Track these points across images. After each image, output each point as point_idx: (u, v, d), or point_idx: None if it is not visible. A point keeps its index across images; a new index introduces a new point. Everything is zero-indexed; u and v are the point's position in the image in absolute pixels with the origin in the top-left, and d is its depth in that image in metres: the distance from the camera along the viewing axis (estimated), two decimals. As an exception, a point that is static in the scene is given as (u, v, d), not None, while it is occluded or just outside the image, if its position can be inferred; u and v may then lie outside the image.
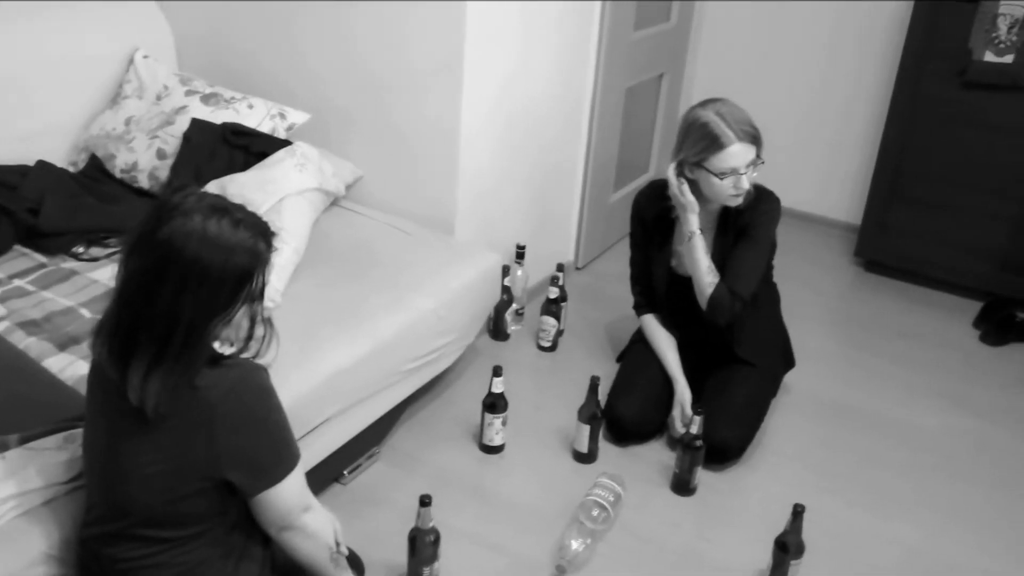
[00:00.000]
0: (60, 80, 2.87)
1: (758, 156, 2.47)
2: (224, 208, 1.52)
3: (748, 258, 2.60)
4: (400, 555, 2.15)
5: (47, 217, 2.55)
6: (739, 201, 2.50)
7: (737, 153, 2.41)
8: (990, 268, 3.60)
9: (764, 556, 2.27)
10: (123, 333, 1.49)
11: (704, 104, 2.48)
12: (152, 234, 1.47)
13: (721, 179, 2.44)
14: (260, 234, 1.53)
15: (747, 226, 2.58)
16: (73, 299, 2.33)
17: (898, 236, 3.77)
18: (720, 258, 2.61)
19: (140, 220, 1.53)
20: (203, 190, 1.59)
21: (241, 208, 1.55)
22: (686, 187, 2.52)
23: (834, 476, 2.68)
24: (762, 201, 2.60)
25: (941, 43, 3.44)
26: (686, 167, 2.51)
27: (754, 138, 2.44)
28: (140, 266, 1.48)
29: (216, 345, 1.60)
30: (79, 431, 1.79)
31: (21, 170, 2.69)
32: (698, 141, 2.45)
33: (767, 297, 2.80)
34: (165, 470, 1.53)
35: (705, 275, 2.56)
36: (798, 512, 2.16)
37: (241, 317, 1.55)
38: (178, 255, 1.45)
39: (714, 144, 2.42)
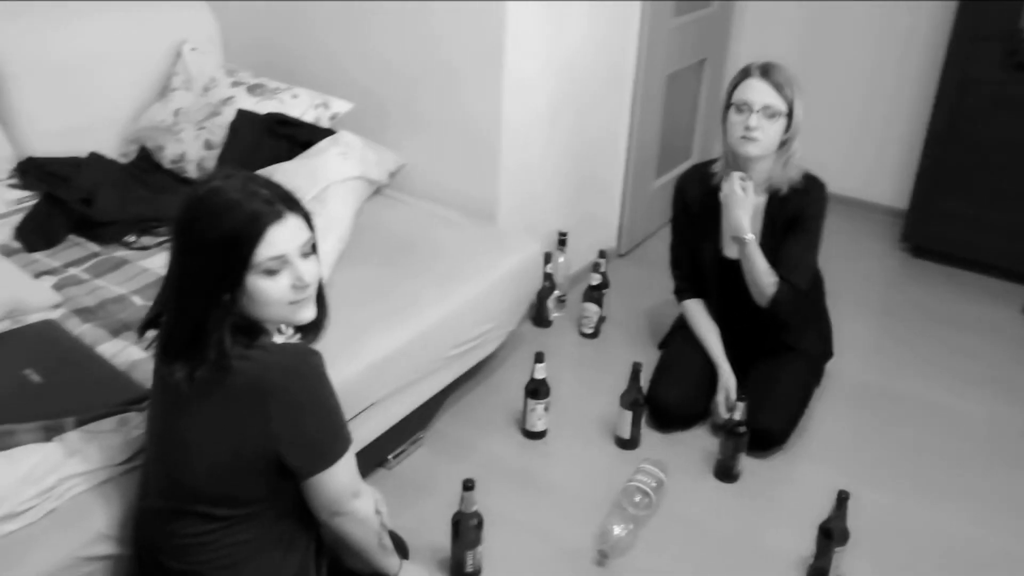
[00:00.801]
0: (111, 75, 2.94)
1: (785, 121, 2.46)
2: (243, 175, 1.56)
3: (803, 249, 2.60)
4: (444, 539, 2.17)
5: (100, 207, 2.61)
6: (748, 149, 2.48)
7: (754, 87, 2.45)
8: (1040, 253, 3.54)
9: (808, 543, 2.26)
10: (157, 308, 1.57)
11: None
12: (181, 213, 1.54)
13: (737, 113, 2.47)
14: (269, 203, 1.51)
15: (797, 216, 2.57)
16: (125, 287, 2.38)
17: (945, 221, 3.71)
18: (770, 248, 2.59)
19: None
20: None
21: (263, 178, 1.57)
22: (750, 186, 2.51)
23: (879, 464, 2.65)
24: (810, 189, 2.58)
25: (990, 25, 3.37)
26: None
27: (778, 85, 2.44)
28: (172, 248, 1.56)
29: (277, 333, 1.63)
30: (133, 415, 1.84)
31: (74, 162, 2.77)
32: (736, 75, 2.52)
33: (812, 284, 2.77)
34: (221, 449, 1.57)
35: (764, 277, 2.56)
36: (842, 499, 2.15)
37: (274, 295, 1.53)
38: (180, 217, 1.52)
39: (741, 73, 2.50)
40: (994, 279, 3.69)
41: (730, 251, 2.68)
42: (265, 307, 1.55)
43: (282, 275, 1.53)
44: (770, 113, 2.45)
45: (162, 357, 1.57)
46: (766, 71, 2.45)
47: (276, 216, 1.51)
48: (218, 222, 1.49)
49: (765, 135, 2.46)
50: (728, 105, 2.52)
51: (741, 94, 2.47)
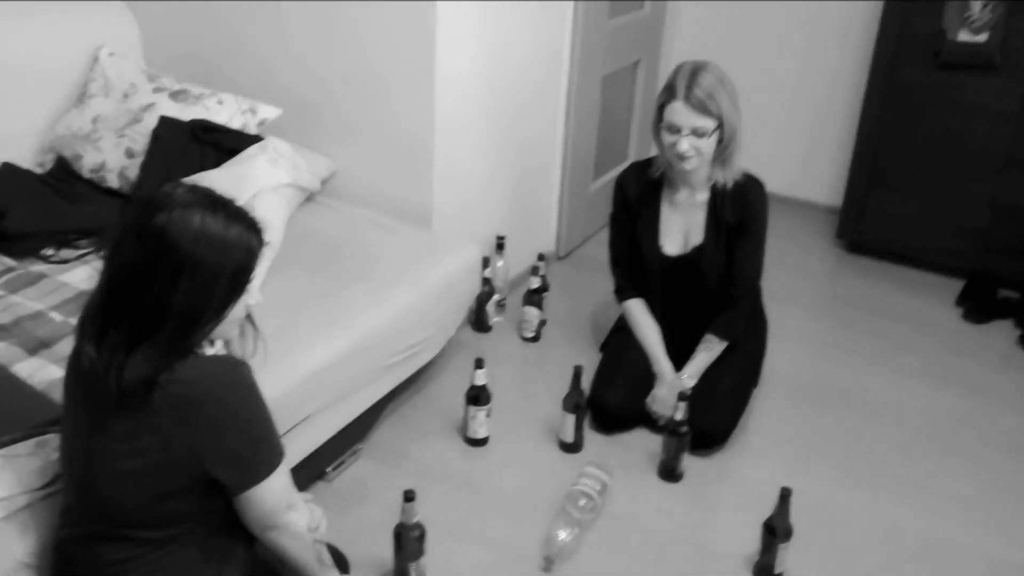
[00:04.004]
0: (23, 81, 2.82)
1: (718, 132, 2.46)
2: (219, 201, 1.51)
3: (753, 255, 2.67)
4: (386, 551, 2.12)
5: (14, 220, 2.51)
6: (684, 165, 2.51)
7: (678, 111, 2.44)
8: (971, 247, 3.61)
9: (753, 540, 2.25)
10: (106, 320, 1.47)
11: (695, 61, 2.51)
12: (144, 225, 1.45)
13: (669, 134, 2.48)
14: (253, 229, 1.53)
15: (742, 219, 2.60)
16: (43, 302, 2.29)
17: (879, 217, 3.77)
18: (714, 243, 2.62)
19: (129, 211, 1.51)
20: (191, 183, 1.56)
21: (233, 202, 1.54)
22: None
23: (820, 458, 2.67)
24: (750, 189, 2.61)
25: (916, 24, 3.43)
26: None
27: (705, 108, 2.43)
28: (130, 257, 1.47)
29: (208, 345, 1.58)
30: (51, 436, 1.76)
31: (-14, 173, 2.65)
32: (664, 85, 2.51)
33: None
34: (146, 467, 1.50)
35: (717, 349, 2.69)
36: (785, 495, 2.15)
37: (234, 315, 1.54)
38: (172, 247, 1.44)
39: (667, 92, 2.48)
40: (928, 273, 3.75)
41: (670, 247, 2.68)
42: (224, 326, 1.55)
43: (244, 295, 1.55)
44: (699, 133, 2.45)
45: (107, 369, 1.47)
46: (689, 91, 2.42)
47: (262, 244, 1.53)
48: (226, 254, 1.47)
49: (699, 152, 2.48)
50: (659, 119, 2.51)
51: (669, 117, 2.47)
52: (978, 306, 3.46)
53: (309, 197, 2.91)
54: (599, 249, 3.27)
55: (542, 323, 3.18)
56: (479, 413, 2.59)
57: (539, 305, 3.13)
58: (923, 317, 3.45)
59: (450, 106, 2.86)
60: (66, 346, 2.00)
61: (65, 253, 2.52)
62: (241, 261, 1.50)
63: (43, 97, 2.89)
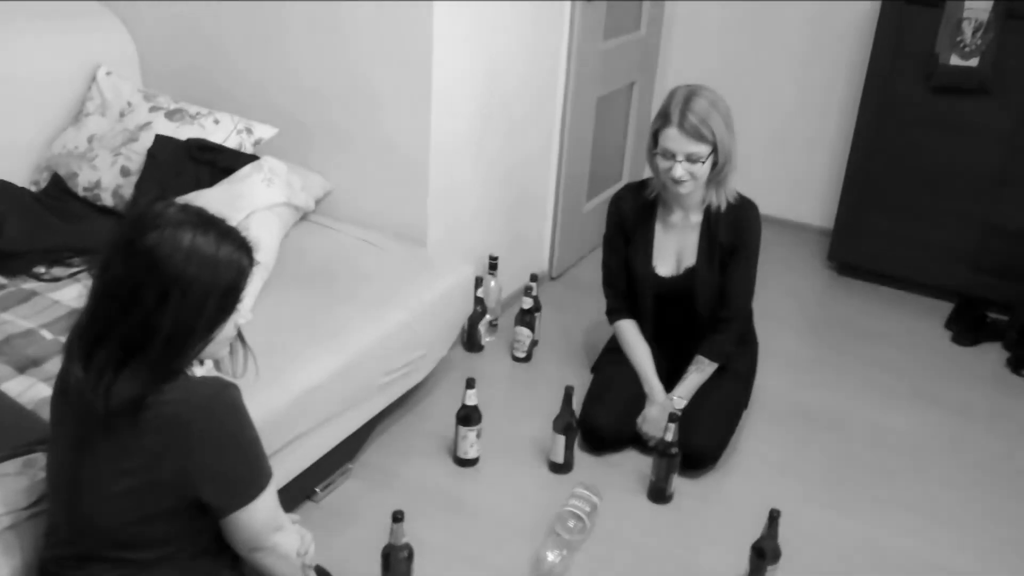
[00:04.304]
0: (20, 98, 2.82)
1: (712, 156, 2.48)
2: (210, 220, 1.50)
3: (745, 277, 2.69)
4: (375, 572, 2.12)
5: (8, 237, 2.50)
6: (679, 190, 2.53)
7: (672, 137, 2.46)
8: (961, 269, 3.62)
9: (741, 562, 2.25)
10: (94, 339, 1.47)
11: (689, 85, 2.52)
12: (133, 243, 1.45)
13: (663, 159, 2.50)
14: (244, 249, 1.52)
15: (735, 241, 2.62)
16: (33, 320, 2.28)
17: (870, 239, 3.78)
18: (707, 264, 2.64)
19: (119, 229, 1.50)
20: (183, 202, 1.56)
21: (224, 222, 1.53)
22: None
23: (809, 479, 2.67)
24: (744, 211, 2.63)
25: (908, 48, 3.46)
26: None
27: (699, 135, 2.44)
28: (119, 275, 1.46)
29: (197, 365, 1.58)
30: (39, 455, 1.75)
31: (-20, 191, 2.65)
32: (658, 111, 2.53)
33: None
34: (132, 488, 1.50)
35: (707, 370, 2.69)
36: (774, 517, 2.15)
37: (224, 334, 1.54)
38: (162, 266, 1.43)
39: (661, 118, 2.50)
40: (918, 295, 3.76)
41: (663, 269, 2.69)
42: (214, 346, 1.55)
43: (234, 314, 1.55)
44: (694, 159, 2.47)
45: (94, 389, 1.46)
46: (683, 118, 2.43)
47: (252, 264, 1.53)
48: (216, 274, 1.46)
49: (693, 177, 2.50)
50: (654, 144, 2.53)
51: (663, 143, 2.48)
52: (967, 328, 3.48)
53: (304, 216, 2.92)
54: (592, 270, 3.28)
55: (534, 343, 3.18)
56: (469, 433, 2.59)
57: (531, 325, 3.13)
58: (913, 339, 3.46)
59: (445, 126, 2.87)
60: (56, 364, 1.99)
61: (57, 271, 2.51)
62: (231, 281, 1.50)
63: (39, 115, 2.89)
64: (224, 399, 1.54)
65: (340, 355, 2.33)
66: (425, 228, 2.96)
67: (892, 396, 3.10)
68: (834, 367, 3.27)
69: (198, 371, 1.62)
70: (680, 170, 2.47)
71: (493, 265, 3.21)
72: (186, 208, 1.52)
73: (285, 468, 2.19)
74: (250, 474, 1.57)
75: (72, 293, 2.42)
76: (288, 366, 2.20)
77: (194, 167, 2.73)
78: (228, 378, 1.62)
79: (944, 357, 3.36)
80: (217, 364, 1.68)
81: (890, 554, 2.41)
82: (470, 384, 2.54)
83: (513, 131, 3.24)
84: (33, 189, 2.83)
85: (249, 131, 2.90)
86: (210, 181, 2.71)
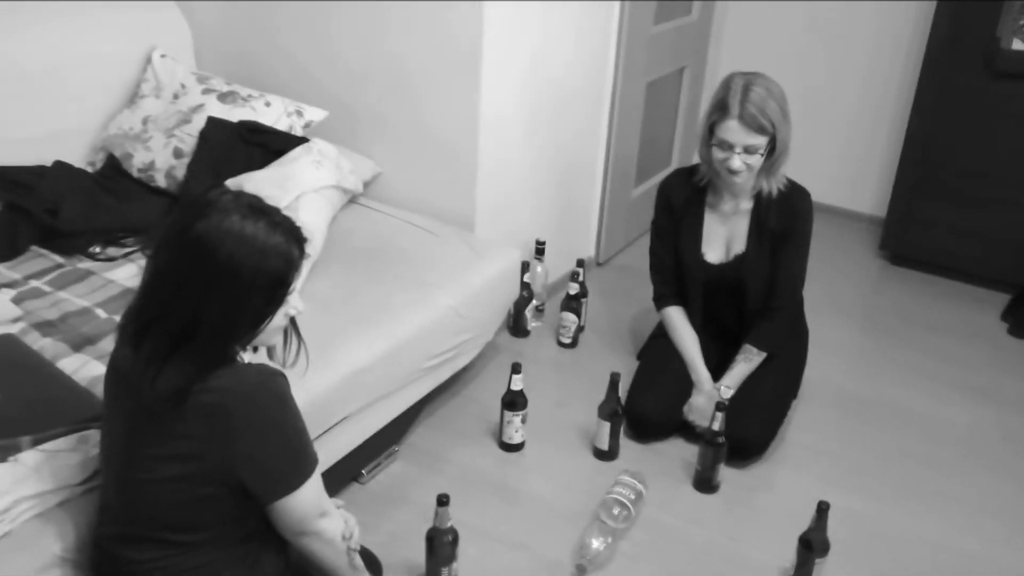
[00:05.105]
0: (78, 81, 2.87)
1: (769, 149, 2.44)
2: (262, 209, 1.49)
3: (796, 264, 2.66)
4: (419, 555, 2.13)
5: (66, 218, 2.55)
6: (734, 179, 2.50)
7: (731, 129, 2.42)
8: (1018, 260, 3.53)
9: (788, 554, 2.23)
10: (143, 325, 1.48)
11: (745, 73, 2.48)
12: (186, 229, 1.45)
13: (720, 150, 2.46)
14: (295, 240, 1.51)
15: (786, 228, 2.59)
16: (89, 299, 2.33)
17: (924, 229, 3.71)
18: (755, 253, 2.61)
19: (173, 214, 1.50)
20: (237, 189, 1.55)
21: (277, 211, 1.53)
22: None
23: (859, 471, 2.63)
24: (795, 198, 2.59)
25: (968, 32, 3.38)
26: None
27: (759, 126, 2.40)
28: (170, 260, 1.46)
29: (248, 352, 1.58)
30: (93, 432, 1.79)
31: (38, 171, 2.69)
32: (713, 102, 2.48)
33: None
34: (179, 472, 1.51)
35: (756, 360, 2.66)
36: (822, 509, 2.12)
37: (274, 324, 1.54)
38: (211, 253, 1.43)
39: (719, 108, 2.45)
40: (973, 286, 3.68)
41: (712, 256, 2.67)
42: (265, 336, 1.55)
43: (284, 305, 1.54)
44: (752, 151, 2.44)
45: (142, 377, 1.48)
46: (743, 109, 2.39)
47: (303, 255, 1.52)
48: (264, 263, 1.46)
49: (749, 168, 2.47)
50: (709, 132, 2.49)
51: (721, 134, 2.44)
52: (1024, 321, 3.40)
53: (352, 199, 2.93)
54: (639, 256, 3.26)
55: (580, 329, 3.17)
56: (515, 418, 2.59)
57: (577, 311, 3.12)
58: (967, 330, 3.39)
59: (494, 110, 2.87)
60: (110, 343, 2.03)
61: (112, 251, 2.56)
62: (279, 271, 1.48)
63: (96, 97, 2.94)
64: (269, 388, 1.53)
65: (387, 337, 2.34)
66: (473, 212, 2.96)
67: (945, 387, 3.04)
68: (886, 357, 3.21)
69: (248, 357, 1.63)
70: (738, 162, 2.44)
71: (540, 250, 3.20)
72: (239, 196, 1.51)
73: (332, 449, 2.21)
74: (293, 463, 1.58)
75: (126, 272, 2.46)
76: (335, 348, 2.21)
77: (245, 149, 2.76)
78: (276, 366, 1.63)
79: (1000, 349, 3.29)
80: (269, 351, 1.69)
81: (941, 550, 2.37)
82: (516, 369, 2.54)
83: (562, 116, 3.22)
84: (89, 170, 2.88)
85: (300, 113, 2.92)
86: (261, 163, 2.73)
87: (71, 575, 1.67)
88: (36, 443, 1.74)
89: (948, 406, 2.94)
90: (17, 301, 2.26)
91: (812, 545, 2.14)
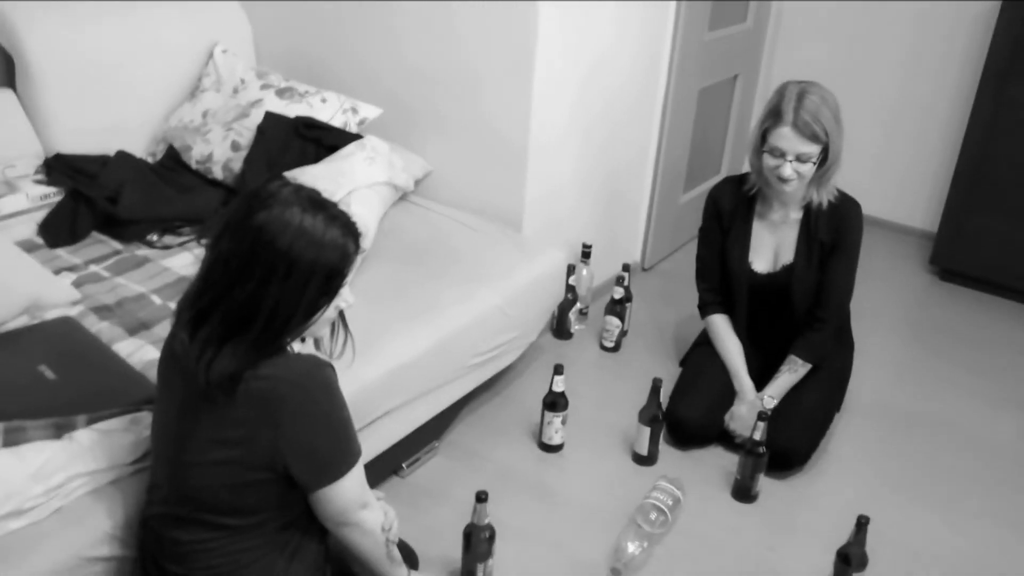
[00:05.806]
0: (143, 74, 2.95)
1: (821, 158, 2.43)
2: (320, 203, 1.53)
3: (844, 276, 2.63)
4: (456, 550, 2.15)
5: (126, 206, 2.62)
6: (784, 188, 2.48)
7: (784, 136, 2.40)
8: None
9: (826, 568, 2.22)
10: (201, 311, 1.52)
11: (799, 81, 2.47)
12: (245, 220, 1.48)
13: (772, 157, 2.45)
14: (351, 234, 1.54)
15: (836, 239, 2.57)
16: (145, 285, 2.38)
17: (975, 244, 3.65)
18: (805, 263, 2.59)
19: (235, 204, 1.53)
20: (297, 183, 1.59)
21: (335, 205, 1.56)
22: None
23: (901, 486, 2.60)
24: (846, 209, 2.57)
25: (1029, 43, 3.32)
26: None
27: (812, 134, 2.39)
28: (229, 250, 1.50)
29: (297, 343, 1.62)
30: (145, 414, 1.84)
31: (101, 160, 2.79)
32: (766, 109, 2.47)
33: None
34: (227, 457, 1.55)
35: (800, 371, 2.65)
36: (862, 524, 2.11)
37: (326, 315, 1.57)
38: (270, 243, 1.46)
39: (772, 115, 2.44)
40: (1021, 304, 3.61)
41: (759, 265, 2.66)
42: (315, 327, 1.59)
43: (336, 297, 1.57)
44: (804, 159, 2.42)
45: (196, 362, 1.51)
46: (797, 116, 2.38)
47: (358, 250, 1.55)
48: (321, 256, 1.49)
49: (800, 176, 2.45)
50: (762, 139, 2.48)
51: (774, 141, 2.43)
52: (1080, 342, 3.33)
53: (403, 196, 2.97)
54: (685, 262, 3.26)
55: (623, 333, 3.18)
56: (555, 419, 2.61)
57: (621, 315, 3.13)
58: (1016, 348, 3.33)
59: (546, 111, 2.88)
60: (164, 329, 2.09)
61: (168, 239, 2.62)
62: (335, 264, 1.51)
63: (158, 89, 3.02)
64: (318, 377, 1.57)
65: (432, 333, 2.36)
66: (521, 213, 2.98)
67: (993, 405, 2.99)
68: (933, 372, 3.17)
69: (297, 347, 1.67)
70: (789, 170, 2.43)
71: (586, 253, 3.21)
72: (299, 189, 1.54)
73: (374, 442, 2.24)
74: (339, 453, 1.61)
75: (182, 261, 2.52)
76: (381, 342, 2.24)
77: (300, 144, 2.81)
78: (325, 357, 1.67)
79: (1051, 370, 3.23)
80: (317, 343, 1.73)
81: (982, 567, 2.34)
82: (558, 370, 2.55)
83: (613, 120, 3.23)
84: (150, 160, 2.96)
85: (355, 111, 2.97)
86: (315, 158, 2.78)
87: (119, 552, 1.72)
88: (91, 422, 1.79)
89: (994, 423, 2.90)
90: (77, 285, 2.33)
91: (850, 560, 2.13)
